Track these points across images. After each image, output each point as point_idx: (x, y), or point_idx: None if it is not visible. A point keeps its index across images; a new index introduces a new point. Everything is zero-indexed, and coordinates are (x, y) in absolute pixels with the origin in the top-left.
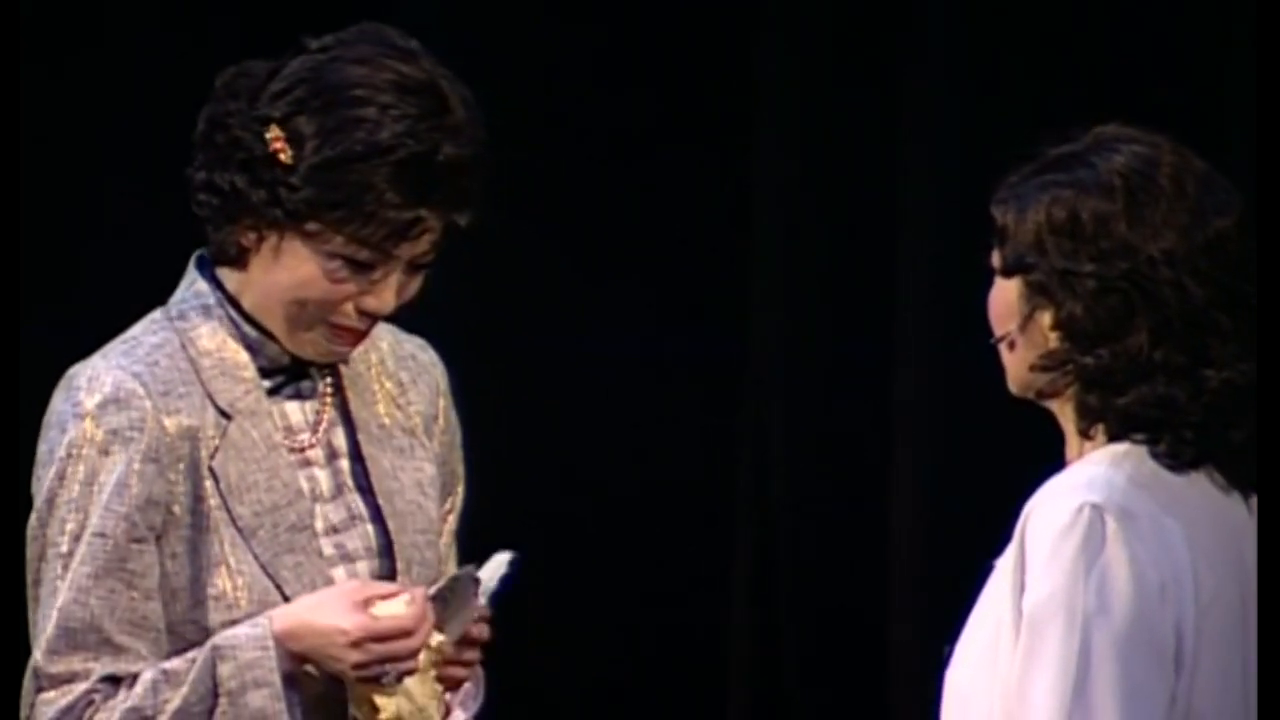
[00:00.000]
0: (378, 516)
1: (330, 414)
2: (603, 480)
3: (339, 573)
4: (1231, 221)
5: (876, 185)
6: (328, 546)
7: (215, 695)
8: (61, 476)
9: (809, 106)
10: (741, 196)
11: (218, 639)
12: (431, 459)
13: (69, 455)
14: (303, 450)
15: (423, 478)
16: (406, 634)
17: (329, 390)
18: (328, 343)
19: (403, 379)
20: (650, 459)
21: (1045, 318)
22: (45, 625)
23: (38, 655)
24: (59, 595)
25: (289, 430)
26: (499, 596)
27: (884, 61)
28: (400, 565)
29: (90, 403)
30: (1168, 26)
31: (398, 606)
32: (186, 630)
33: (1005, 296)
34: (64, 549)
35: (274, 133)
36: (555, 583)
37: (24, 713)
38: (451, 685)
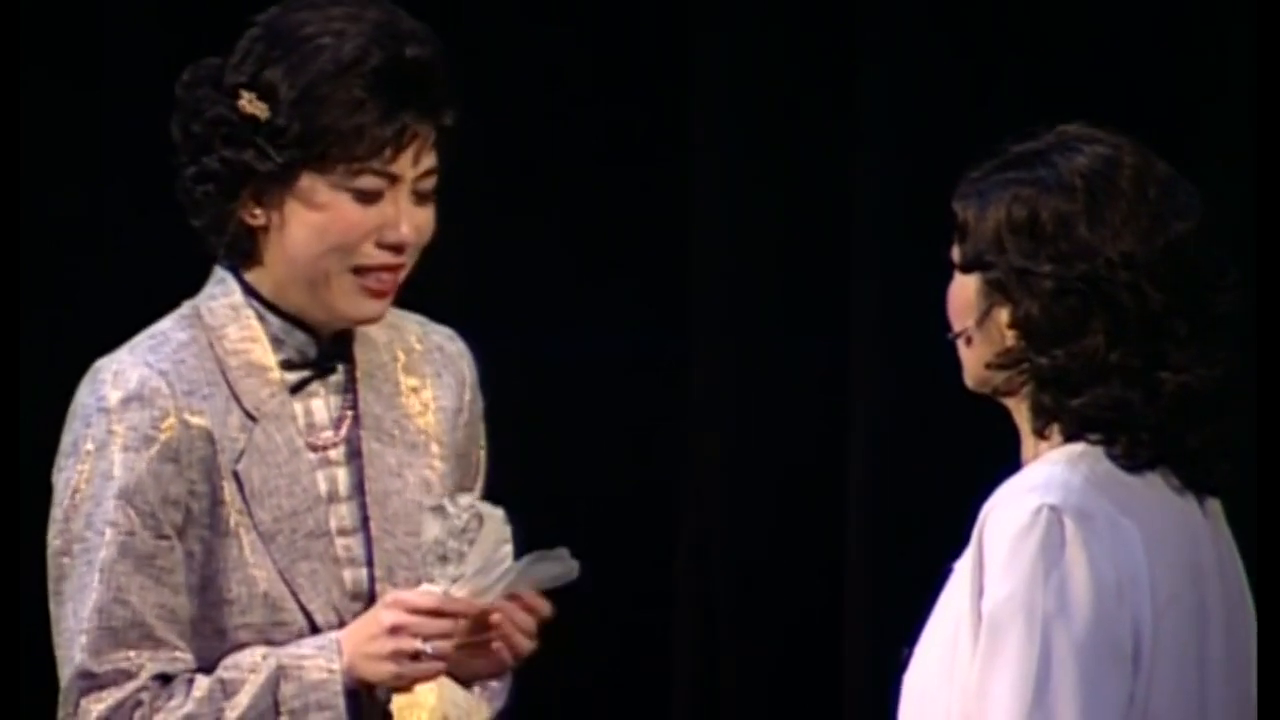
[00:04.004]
0: (365, 522)
1: (352, 410)
2: (566, 481)
3: (348, 576)
4: (1192, 226)
5: (831, 181)
6: (340, 549)
7: (276, 713)
8: (84, 471)
9: (760, 100)
10: (680, 195)
11: (283, 657)
12: (446, 456)
13: (91, 450)
14: (325, 449)
15: (431, 475)
16: (437, 612)
17: (349, 385)
18: (358, 295)
19: (426, 371)
20: (604, 461)
21: (1002, 315)
22: (80, 624)
23: (80, 656)
24: (92, 593)
25: (312, 428)
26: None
27: (839, 55)
28: (379, 573)
29: (114, 398)
30: (1138, 25)
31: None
32: (203, 628)
33: (964, 292)
34: (90, 545)
35: (245, 97)
36: None
37: (62, 713)
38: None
